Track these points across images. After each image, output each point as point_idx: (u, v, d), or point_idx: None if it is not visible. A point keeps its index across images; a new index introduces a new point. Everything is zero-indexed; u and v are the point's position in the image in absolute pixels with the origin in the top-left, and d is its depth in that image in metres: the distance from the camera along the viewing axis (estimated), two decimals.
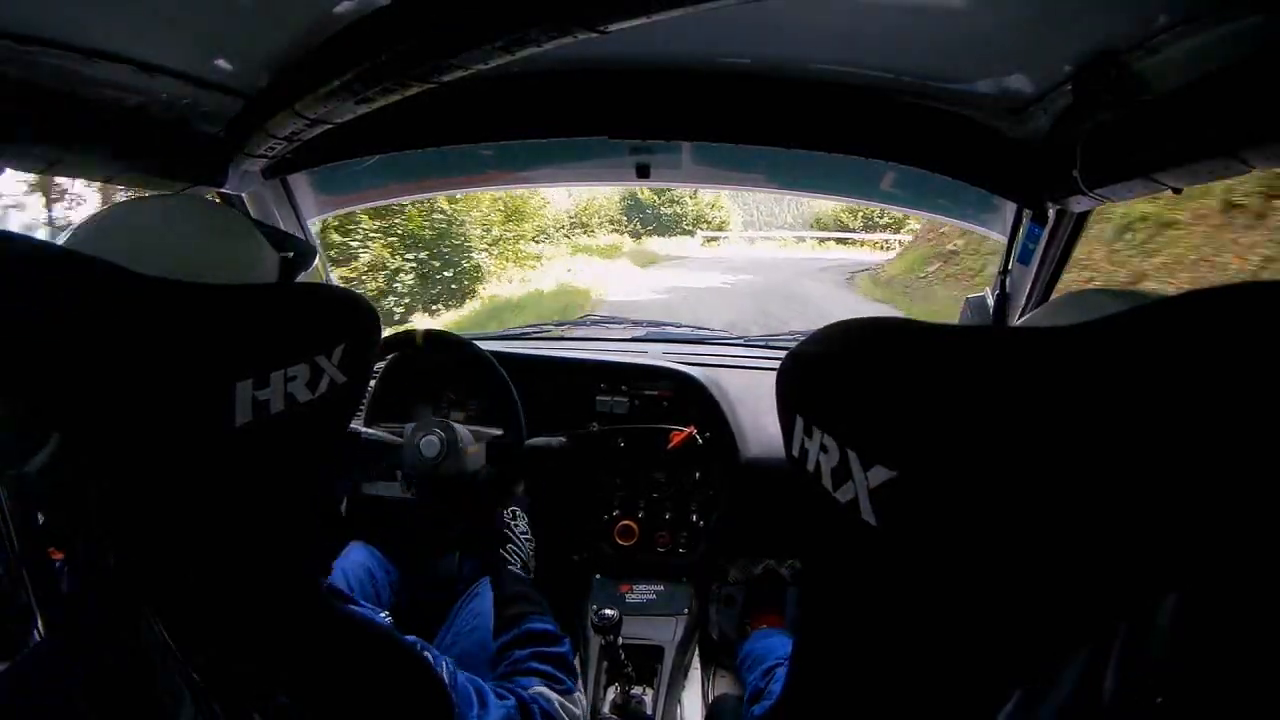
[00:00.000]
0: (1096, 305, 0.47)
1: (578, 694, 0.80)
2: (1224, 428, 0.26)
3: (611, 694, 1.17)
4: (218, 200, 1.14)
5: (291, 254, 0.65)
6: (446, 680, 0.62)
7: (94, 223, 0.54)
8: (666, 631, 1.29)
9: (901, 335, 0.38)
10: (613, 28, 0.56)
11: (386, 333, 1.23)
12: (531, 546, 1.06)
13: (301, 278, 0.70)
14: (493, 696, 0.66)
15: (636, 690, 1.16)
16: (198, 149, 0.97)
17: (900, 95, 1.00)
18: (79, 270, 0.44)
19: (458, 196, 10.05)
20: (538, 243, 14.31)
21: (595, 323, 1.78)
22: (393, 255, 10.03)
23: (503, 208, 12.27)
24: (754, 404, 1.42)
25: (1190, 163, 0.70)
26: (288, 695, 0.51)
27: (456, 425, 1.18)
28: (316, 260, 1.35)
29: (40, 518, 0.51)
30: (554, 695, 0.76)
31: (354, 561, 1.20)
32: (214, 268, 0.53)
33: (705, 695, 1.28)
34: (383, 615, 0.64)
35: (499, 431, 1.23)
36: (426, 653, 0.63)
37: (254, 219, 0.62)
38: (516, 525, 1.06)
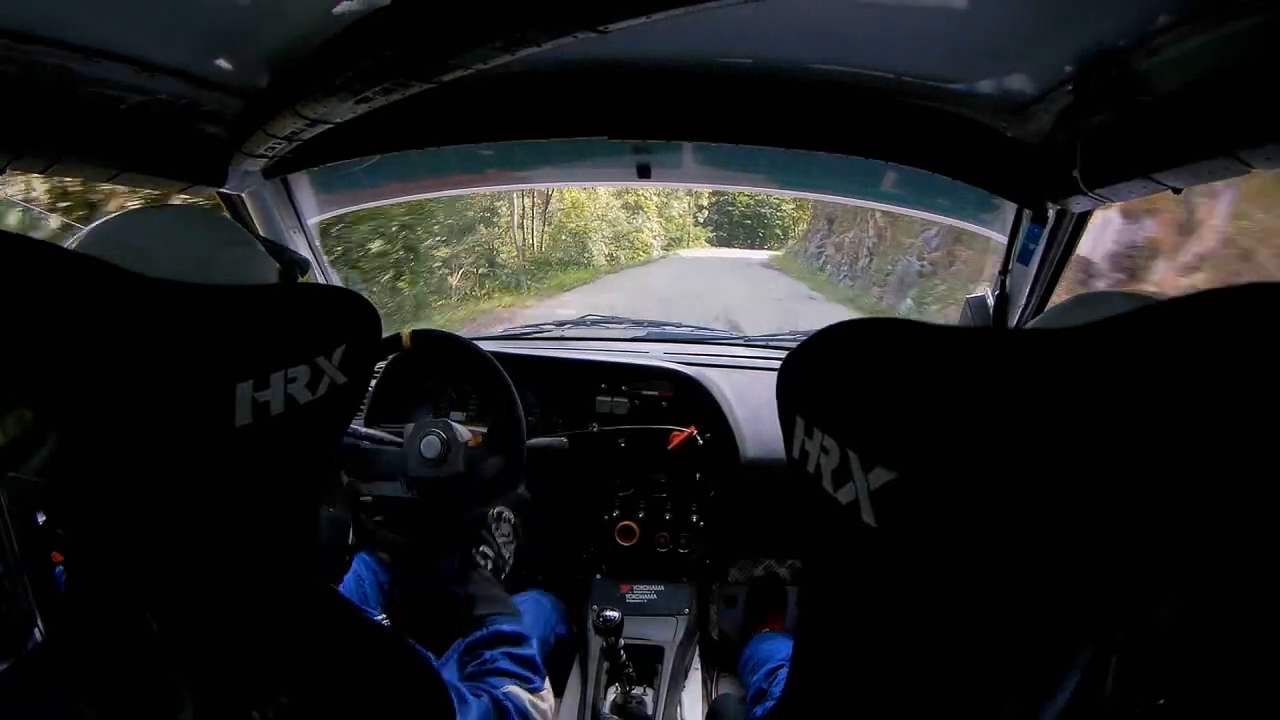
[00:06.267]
0: (1105, 307, 0.47)
1: (545, 691, 0.85)
2: (1224, 430, 0.26)
3: (612, 694, 1.17)
4: (217, 200, 1.14)
5: (286, 263, 0.66)
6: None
7: (102, 228, 0.54)
8: (667, 631, 1.29)
9: (903, 336, 0.38)
10: (613, 28, 0.56)
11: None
12: (512, 547, 1.07)
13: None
14: (469, 695, 0.69)
15: (637, 690, 1.16)
16: (198, 149, 0.97)
17: (901, 95, 1.00)
18: (79, 271, 0.44)
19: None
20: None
21: (595, 323, 1.77)
22: None
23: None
24: (754, 404, 1.41)
25: (1190, 163, 0.70)
26: (289, 694, 0.51)
27: (457, 425, 1.18)
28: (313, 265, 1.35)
29: (40, 518, 0.51)
30: (524, 694, 0.80)
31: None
32: (224, 273, 0.53)
33: (705, 695, 1.27)
34: (379, 617, 0.64)
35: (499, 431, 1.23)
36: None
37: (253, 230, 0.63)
38: (498, 528, 1.07)
